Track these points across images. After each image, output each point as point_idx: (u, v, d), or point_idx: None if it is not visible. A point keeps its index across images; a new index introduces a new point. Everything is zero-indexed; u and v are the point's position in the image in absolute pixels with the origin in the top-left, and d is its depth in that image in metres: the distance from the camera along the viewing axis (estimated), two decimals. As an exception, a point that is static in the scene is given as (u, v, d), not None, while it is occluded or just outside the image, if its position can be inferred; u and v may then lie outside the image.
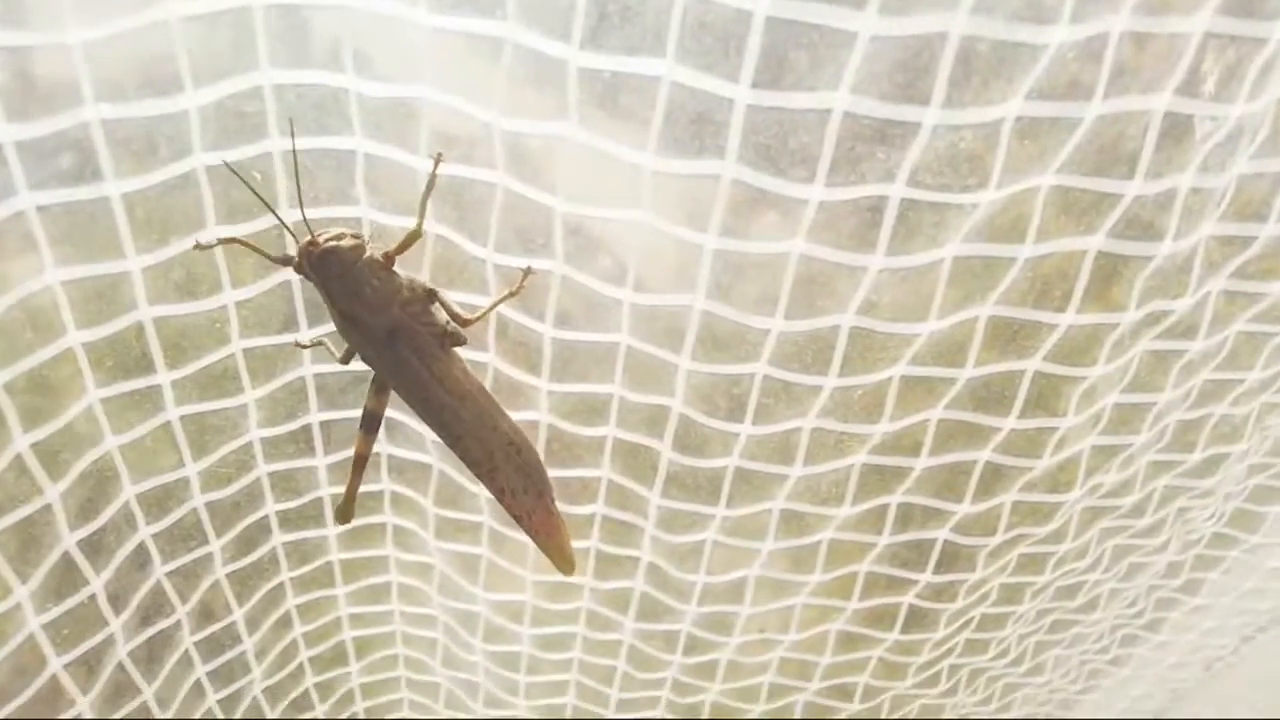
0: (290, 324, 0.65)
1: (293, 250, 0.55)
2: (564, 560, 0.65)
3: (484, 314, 0.59)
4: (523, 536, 0.77)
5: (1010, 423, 0.65)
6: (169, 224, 0.57)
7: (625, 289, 0.57)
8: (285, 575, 0.82)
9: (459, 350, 0.60)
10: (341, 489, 0.78)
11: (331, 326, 0.61)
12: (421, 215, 0.56)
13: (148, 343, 0.60)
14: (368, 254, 0.55)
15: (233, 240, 0.56)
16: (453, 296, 0.61)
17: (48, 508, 0.59)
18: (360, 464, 0.66)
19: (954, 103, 0.47)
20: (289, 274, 0.63)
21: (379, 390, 0.63)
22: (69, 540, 0.62)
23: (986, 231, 0.54)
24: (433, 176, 0.55)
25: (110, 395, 0.61)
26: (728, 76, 0.47)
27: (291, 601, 0.84)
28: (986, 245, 0.54)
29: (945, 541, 0.74)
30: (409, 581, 0.86)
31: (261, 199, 0.54)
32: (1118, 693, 1.22)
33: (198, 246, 0.56)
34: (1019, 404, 0.64)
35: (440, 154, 0.55)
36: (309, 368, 0.69)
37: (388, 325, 0.56)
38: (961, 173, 0.50)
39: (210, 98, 0.53)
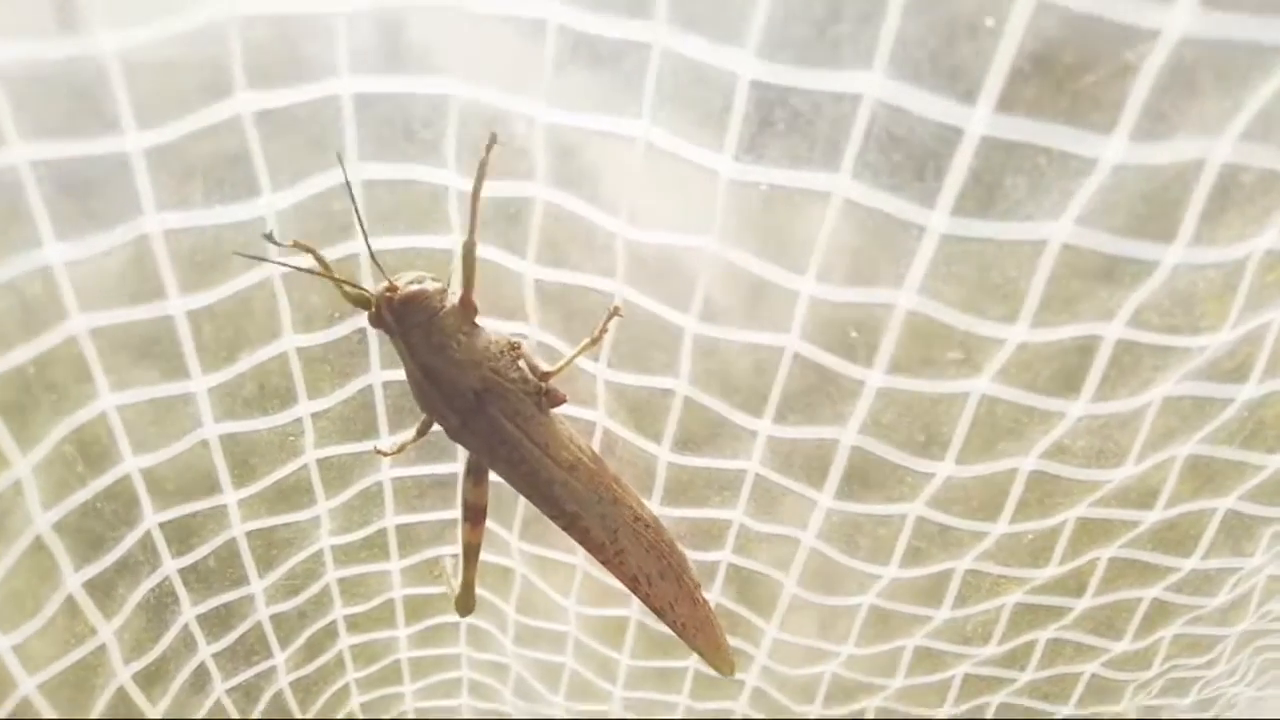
0: (370, 430, 0.58)
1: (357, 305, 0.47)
2: (721, 658, 0.55)
3: (565, 365, 0.49)
4: (612, 650, 0.70)
5: (1192, 563, 0.56)
6: (239, 338, 0.50)
7: (763, 420, 0.49)
8: (350, 676, 0.75)
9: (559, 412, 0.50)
10: (416, 590, 0.72)
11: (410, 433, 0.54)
12: (474, 220, 0.45)
13: (213, 461, 0.53)
14: (450, 303, 0.47)
15: (308, 253, 0.46)
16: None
17: (102, 647, 0.53)
18: (472, 554, 0.56)
19: (1203, 239, 0.38)
20: (368, 378, 0.56)
21: (476, 478, 0.53)
22: (124, 675, 0.55)
23: (1208, 371, 0.45)
24: (483, 166, 0.44)
25: (170, 519, 0.54)
26: (920, 200, 0.39)
27: (356, 700, 0.77)
28: (1205, 384, 0.46)
29: (1093, 675, 0.65)
30: (481, 679, 0.79)
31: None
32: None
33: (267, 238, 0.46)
34: (1205, 545, 0.55)
35: (494, 135, 0.44)
36: (386, 473, 0.62)
37: (476, 385, 0.47)
38: (1195, 314, 0.41)
39: (290, 200, 0.46)
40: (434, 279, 0.47)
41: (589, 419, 0.55)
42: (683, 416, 0.52)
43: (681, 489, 0.55)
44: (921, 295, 0.42)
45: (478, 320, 0.48)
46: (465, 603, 0.60)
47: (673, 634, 0.55)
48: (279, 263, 0.47)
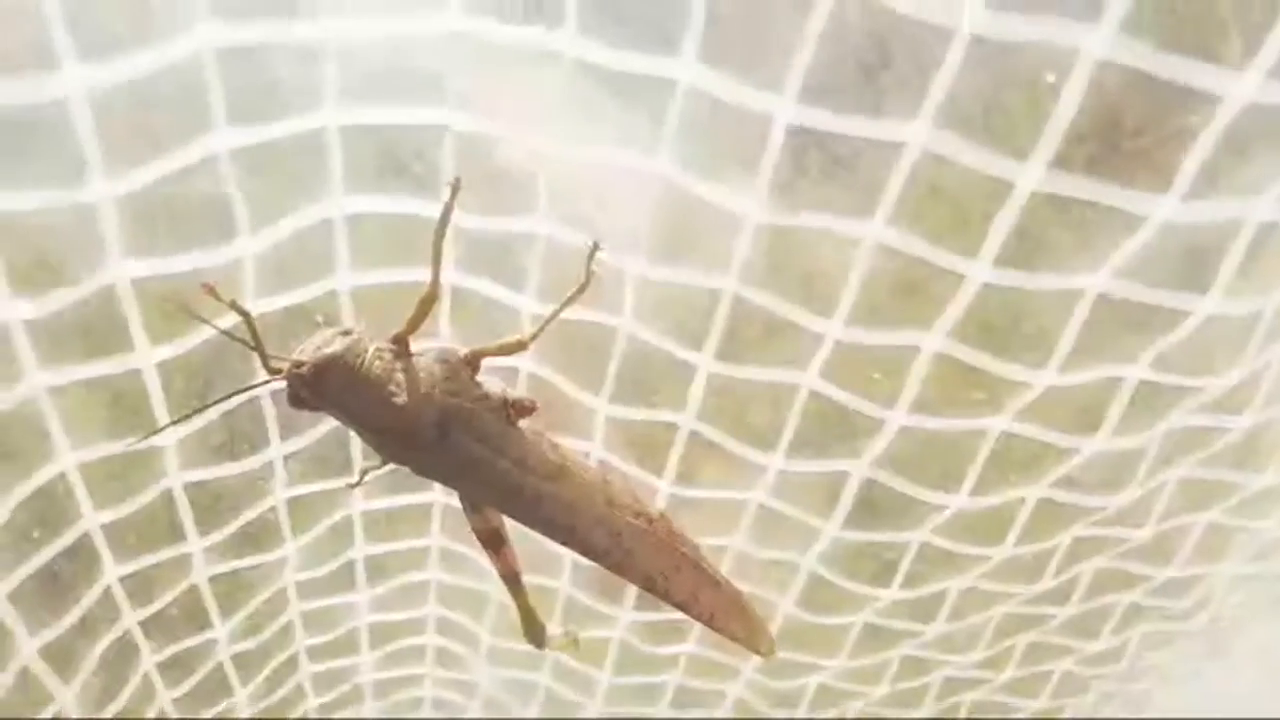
0: (345, 468, 0.54)
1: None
2: (759, 637, 0.50)
3: (546, 324, 0.42)
4: (597, 671, 0.69)
5: (1170, 571, 0.58)
6: (209, 386, 0.46)
7: (774, 454, 0.48)
8: (312, 701, 0.72)
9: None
10: (383, 617, 0.69)
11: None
12: (436, 268, 0.40)
13: (177, 511, 0.49)
14: (372, 348, 0.39)
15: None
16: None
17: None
18: (514, 581, 0.51)
19: (1234, 291, 0.38)
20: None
21: (473, 506, 0.47)
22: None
23: (1211, 405, 0.46)
24: (448, 209, 0.39)
25: (131, 572, 0.50)
26: (962, 251, 0.38)
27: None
28: (1206, 416, 0.47)
29: (1065, 672, 0.67)
30: (448, 696, 0.77)
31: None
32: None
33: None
34: (1184, 555, 0.57)
35: (458, 179, 0.39)
36: (357, 505, 0.58)
37: (435, 420, 0.41)
38: (1212, 357, 0.42)
39: (268, 241, 0.42)
40: (341, 331, 0.40)
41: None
42: (686, 451, 0.50)
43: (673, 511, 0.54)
44: (950, 338, 0.41)
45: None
46: (536, 635, 0.54)
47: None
48: (208, 322, 0.40)
